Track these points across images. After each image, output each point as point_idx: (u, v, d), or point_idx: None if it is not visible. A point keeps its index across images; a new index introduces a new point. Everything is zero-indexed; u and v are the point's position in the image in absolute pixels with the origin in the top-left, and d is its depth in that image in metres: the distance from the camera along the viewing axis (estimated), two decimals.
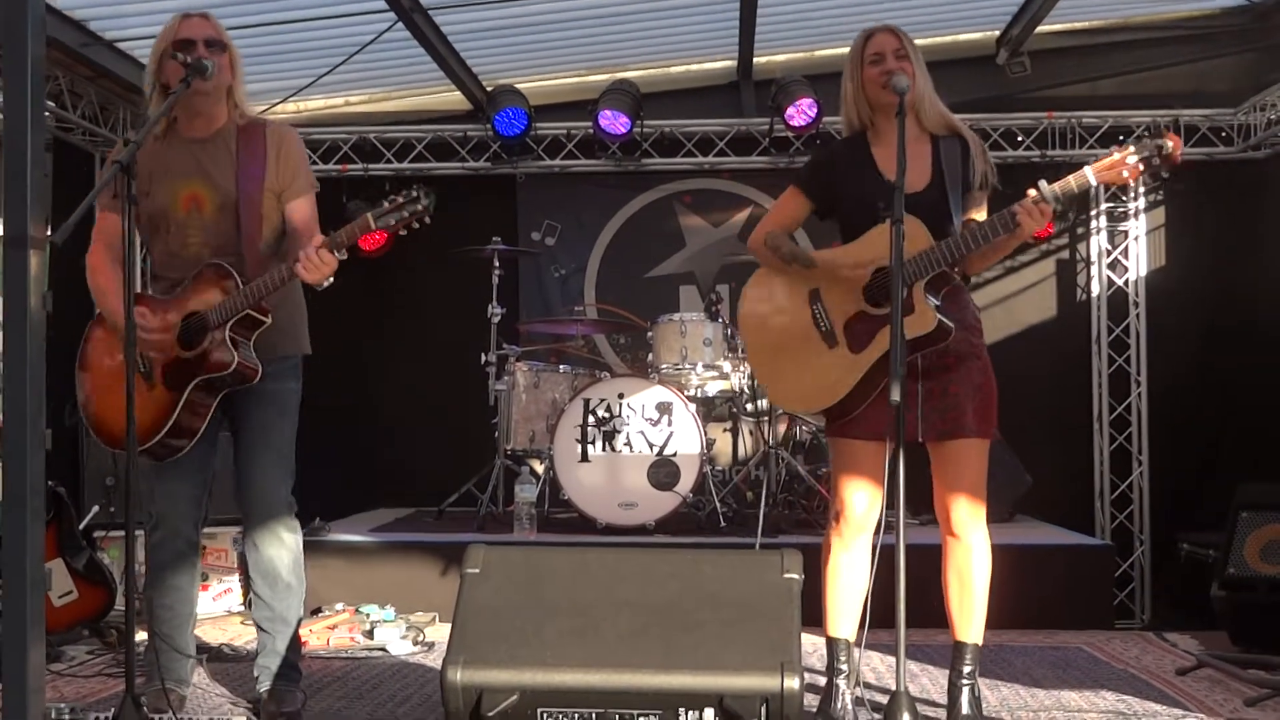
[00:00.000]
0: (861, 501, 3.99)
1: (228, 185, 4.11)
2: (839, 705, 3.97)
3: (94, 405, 4.17)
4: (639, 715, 2.82)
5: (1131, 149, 3.69)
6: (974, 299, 4.13)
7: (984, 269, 4.15)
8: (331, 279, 3.96)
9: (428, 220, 4.03)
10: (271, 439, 4.23)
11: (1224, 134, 7.84)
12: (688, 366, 6.94)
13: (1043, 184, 3.69)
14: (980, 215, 3.99)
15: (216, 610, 6.38)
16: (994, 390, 4.01)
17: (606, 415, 6.68)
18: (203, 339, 4.02)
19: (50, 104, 6.82)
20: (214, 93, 4.10)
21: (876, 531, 4.00)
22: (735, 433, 7.25)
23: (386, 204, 3.99)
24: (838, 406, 3.97)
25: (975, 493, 3.97)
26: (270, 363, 4.14)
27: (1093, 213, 8.14)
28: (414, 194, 4.01)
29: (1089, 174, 3.70)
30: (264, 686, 4.26)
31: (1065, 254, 8.26)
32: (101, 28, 6.68)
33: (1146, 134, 3.73)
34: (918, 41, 4.06)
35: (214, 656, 5.21)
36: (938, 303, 3.85)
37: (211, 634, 5.67)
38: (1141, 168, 3.70)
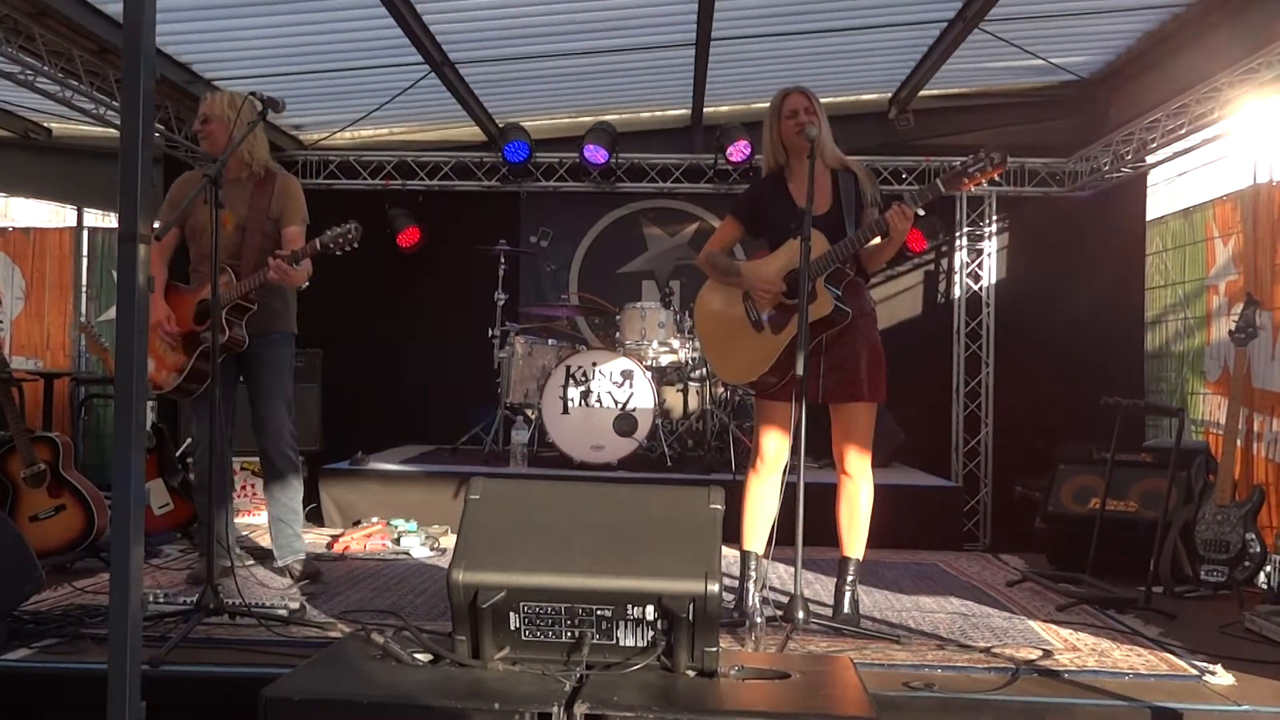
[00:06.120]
0: (773, 447, 4.03)
1: (242, 211, 4.45)
2: (749, 603, 3.99)
3: None
4: (597, 609, 2.82)
5: (970, 162, 3.82)
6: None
7: (879, 265, 4.14)
8: (307, 282, 4.47)
9: (355, 246, 4.31)
10: (274, 388, 4.56)
11: (1058, 177, 7.87)
12: (646, 343, 6.95)
13: (906, 194, 3.78)
14: None
15: None
16: (883, 364, 4.04)
17: (583, 378, 6.66)
18: (207, 318, 4.24)
19: (159, 127, 6.73)
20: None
21: (785, 470, 4.03)
22: (681, 394, 7.25)
23: (328, 231, 4.30)
24: (765, 377, 4.00)
25: (865, 443, 4.01)
26: (265, 336, 4.50)
27: (956, 234, 8.16)
28: (348, 226, 4.30)
29: (939, 184, 3.82)
30: (299, 556, 4.69)
31: (932, 266, 8.28)
32: (201, 69, 6.59)
33: (979, 154, 3.83)
34: (827, 100, 4.08)
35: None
36: (838, 293, 3.88)
37: (267, 539, 5.61)
38: (979, 177, 3.81)
